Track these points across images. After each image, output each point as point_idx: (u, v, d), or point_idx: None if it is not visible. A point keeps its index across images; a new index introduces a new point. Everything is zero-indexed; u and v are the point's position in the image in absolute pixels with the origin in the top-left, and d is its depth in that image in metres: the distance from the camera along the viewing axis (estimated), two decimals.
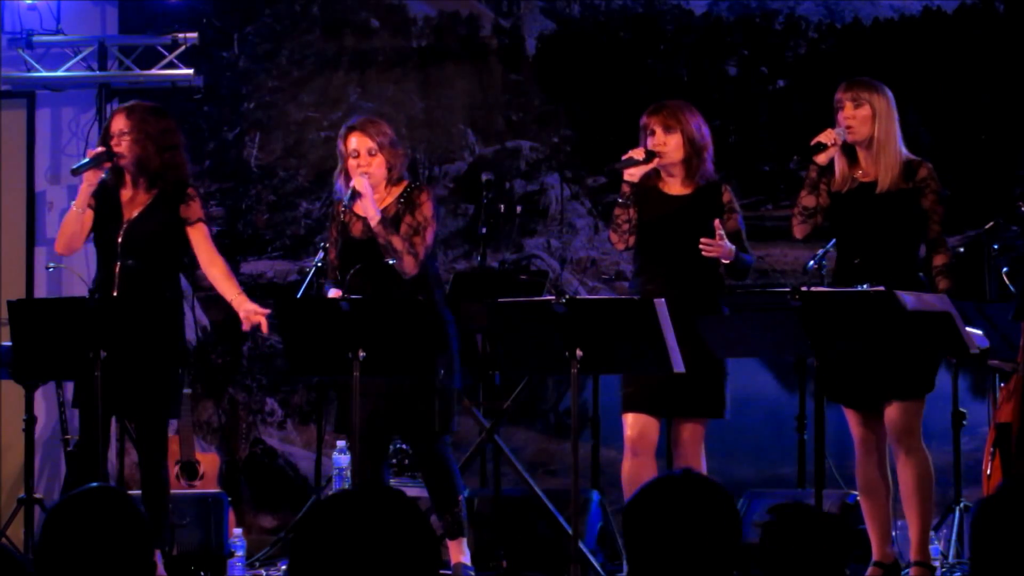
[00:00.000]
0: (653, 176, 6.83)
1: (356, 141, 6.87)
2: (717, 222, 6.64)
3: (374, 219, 6.78)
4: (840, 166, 6.59)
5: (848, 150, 6.60)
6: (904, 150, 6.60)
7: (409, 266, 6.77)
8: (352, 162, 6.87)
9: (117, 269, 6.80)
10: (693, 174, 6.80)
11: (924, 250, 6.62)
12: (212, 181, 9.37)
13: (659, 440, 6.80)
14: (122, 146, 6.87)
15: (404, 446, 8.11)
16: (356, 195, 6.80)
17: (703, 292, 6.65)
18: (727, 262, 6.67)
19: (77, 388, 6.93)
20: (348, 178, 6.87)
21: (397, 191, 6.91)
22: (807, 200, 6.62)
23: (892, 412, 6.45)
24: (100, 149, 6.86)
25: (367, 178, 6.81)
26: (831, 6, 8.90)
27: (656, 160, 6.75)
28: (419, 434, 6.81)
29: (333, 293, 6.82)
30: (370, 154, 6.86)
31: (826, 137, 6.56)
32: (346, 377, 6.53)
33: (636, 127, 6.85)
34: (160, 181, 6.91)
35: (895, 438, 6.46)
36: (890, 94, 6.62)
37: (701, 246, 6.60)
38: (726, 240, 6.64)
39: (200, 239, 6.95)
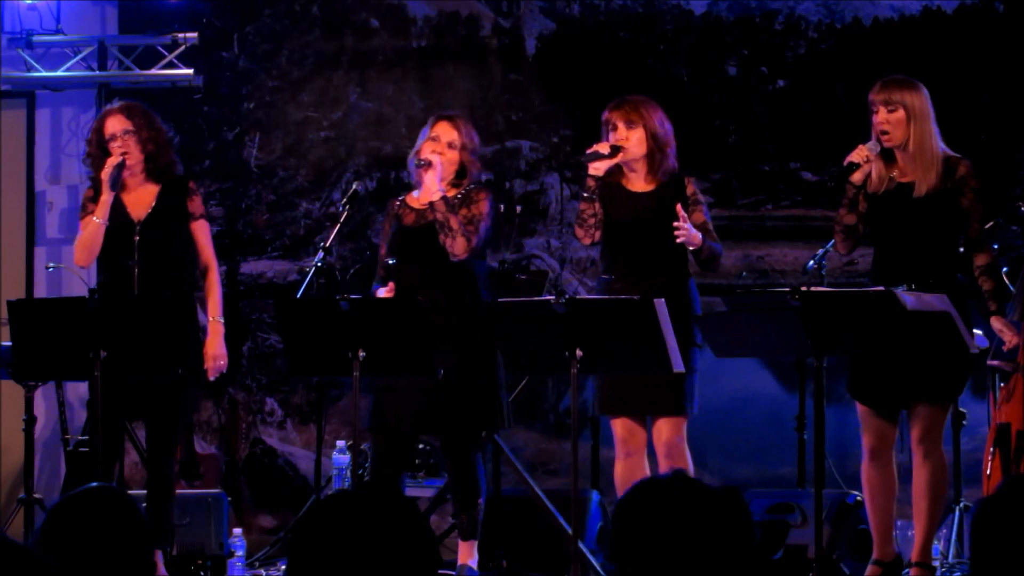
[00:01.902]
0: (616, 173, 6.81)
1: (442, 130, 6.88)
2: (679, 206, 6.63)
3: (436, 194, 6.76)
4: (876, 168, 6.54)
5: (884, 150, 6.55)
6: (942, 145, 6.54)
7: (460, 247, 6.75)
8: (429, 144, 6.87)
9: (136, 270, 6.82)
10: (656, 170, 6.78)
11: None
12: (212, 181, 9.37)
13: (649, 438, 6.81)
14: (128, 146, 6.88)
15: (425, 447, 8.11)
16: (425, 163, 6.79)
17: (672, 286, 6.64)
18: (694, 248, 6.66)
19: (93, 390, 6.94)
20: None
21: (458, 190, 6.92)
22: (848, 219, 6.56)
23: (918, 414, 6.44)
24: (117, 159, 6.86)
25: (439, 159, 6.82)
26: (831, 6, 8.90)
27: (621, 155, 6.74)
28: (460, 433, 6.82)
29: (383, 293, 6.81)
30: (449, 147, 6.86)
31: (858, 156, 6.48)
32: (390, 379, 6.58)
33: None
34: (164, 177, 6.94)
35: (917, 440, 6.46)
36: (925, 91, 6.54)
37: (676, 232, 6.58)
38: (691, 225, 6.64)
39: (202, 235, 6.99)
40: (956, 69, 8.67)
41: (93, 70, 9.16)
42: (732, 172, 8.92)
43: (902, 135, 6.48)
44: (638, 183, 6.81)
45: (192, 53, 9.14)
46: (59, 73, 9.15)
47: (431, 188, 6.79)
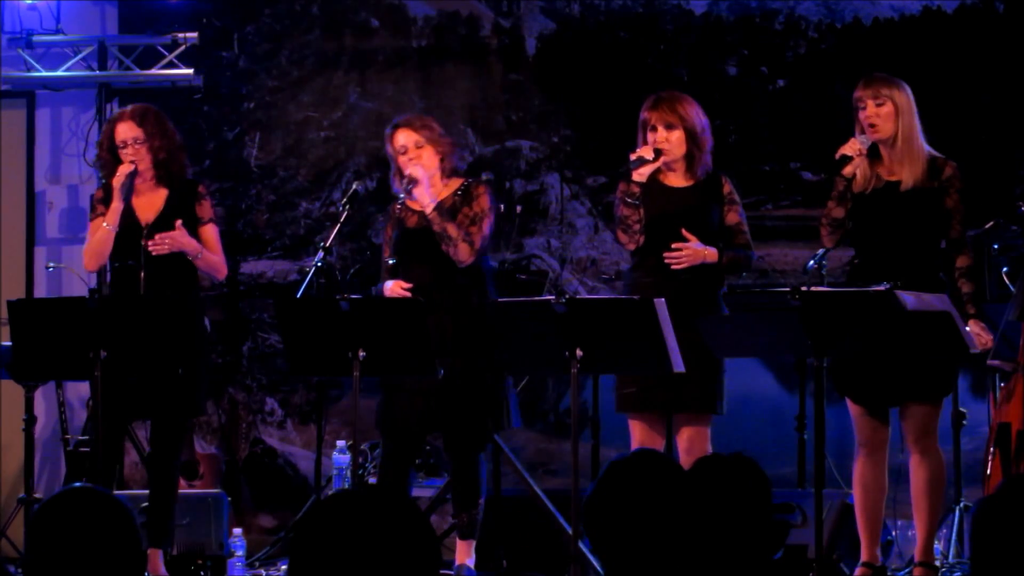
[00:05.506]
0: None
1: (402, 137, 6.91)
2: (684, 231, 6.63)
3: (429, 206, 6.80)
4: (862, 168, 6.54)
5: (870, 149, 6.56)
6: (927, 146, 6.55)
7: (464, 254, 6.78)
8: (402, 159, 6.90)
9: (143, 272, 6.83)
10: (694, 167, 6.79)
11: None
12: (212, 181, 9.36)
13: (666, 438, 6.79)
14: (139, 155, 6.90)
15: (426, 447, 8.11)
16: (412, 183, 6.82)
17: (702, 286, 6.64)
18: (712, 262, 6.66)
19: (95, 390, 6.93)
20: (402, 175, 6.89)
21: (455, 185, 6.94)
22: (836, 212, 6.55)
23: (912, 413, 6.44)
24: (130, 167, 6.88)
25: (421, 168, 6.84)
26: (831, 6, 8.90)
27: (663, 157, 6.73)
28: (466, 432, 6.82)
29: (391, 285, 6.82)
30: (417, 147, 6.89)
31: (850, 149, 6.49)
32: (399, 378, 6.58)
33: (635, 127, 6.83)
34: (174, 181, 6.96)
35: (913, 439, 6.45)
36: (909, 89, 6.57)
37: (666, 260, 6.60)
38: (695, 244, 6.62)
39: (210, 240, 7.01)
40: (956, 69, 8.67)
41: (93, 70, 9.16)
42: (732, 172, 8.91)
43: (891, 128, 6.49)
44: (675, 179, 6.81)
45: (192, 53, 9.14)
46: (59, 73, 9.15)
47: (423, 202, 6.80)
